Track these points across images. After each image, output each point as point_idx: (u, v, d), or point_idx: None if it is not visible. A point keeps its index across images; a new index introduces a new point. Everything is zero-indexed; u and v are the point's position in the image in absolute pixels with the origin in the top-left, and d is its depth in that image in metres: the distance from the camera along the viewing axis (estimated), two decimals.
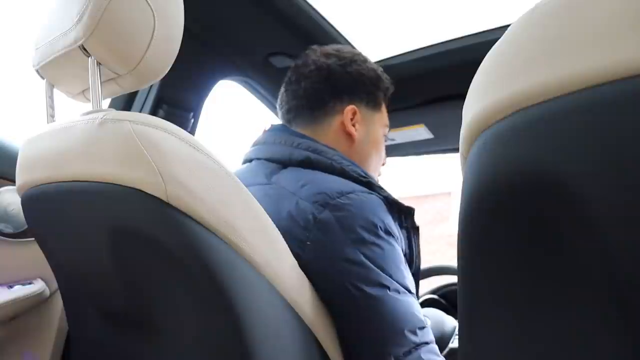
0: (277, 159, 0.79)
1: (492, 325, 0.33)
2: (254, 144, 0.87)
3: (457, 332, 1.13)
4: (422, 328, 0.66)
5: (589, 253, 0.25)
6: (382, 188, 0.74)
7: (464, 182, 0.33)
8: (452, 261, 1.34)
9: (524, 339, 0.31)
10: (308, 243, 0.65)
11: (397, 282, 0.65)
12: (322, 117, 0.86)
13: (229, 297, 0.50)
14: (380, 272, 0.64)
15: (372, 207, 0.67)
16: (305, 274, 0.64)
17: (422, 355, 0.63)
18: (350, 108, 0.86)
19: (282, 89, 0.92)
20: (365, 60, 0.90)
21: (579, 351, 0.28)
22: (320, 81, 0.86)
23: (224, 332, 0.52)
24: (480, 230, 0.31)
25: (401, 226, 0.73)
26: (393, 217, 0.70)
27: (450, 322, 1.17)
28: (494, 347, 0.33)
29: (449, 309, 1.52)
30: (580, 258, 0.26)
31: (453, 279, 1.60)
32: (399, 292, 0.65)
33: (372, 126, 0.89)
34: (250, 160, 0.85)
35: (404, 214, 0.73)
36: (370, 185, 0.72)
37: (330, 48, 0.91)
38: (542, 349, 0.30)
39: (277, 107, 0.93)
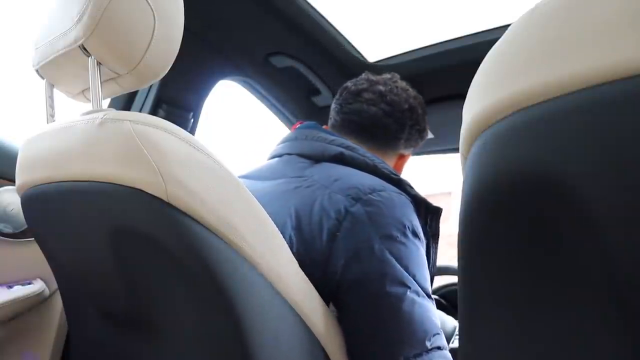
0: (309, 155, 0.80)
1: (492, 325, 0.33)
2: (284, 141, 0.88)
3: (457, 332, 1.13)
4: (436, 334, 0.65)
5: (589, 253, 0.25)
6: (411, 187, 0.75)
7: (464, 182, 0.33)
8: (452, 261, 1.34)
9: (524, 339, 0.31)
10: (338, 234, 0.65)
11: (418, 283, 0.65)
12: (385, 145, 0.91)
13: (229, 297, 0.50)
14: (404, 271, 0.64)
15: (402, 207, 0.68)
16: (331, 266, 0.64)
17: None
18: (408, 155, 0.95)
19: (357, 87, 0.92)
20: (424, 110, 0.97)
21: (579, 351, 0.28)
22: (405, 118, 0.90)
23: (224, 332, 0.52)
24: (480, 230, 0.31)
25: (424, 230, 0.73)
26: (419, 219, 0.71)
27: (450, 322, 1.17)
28: (494, 347, 0.33)
29: (449, 309, 1.52)
30: (580, 258, 0.26)
31: (453, 279, 1.60)
32: (418, 295, 0.65)
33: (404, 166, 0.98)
34: (280, 156, 0.86)
35: (430, 214, 0.75)
36: (401, 184, 0.74)
37: (409, 87, 0.95)
38: (542, 349, 0.30)
39: (338, 96, 0.94)
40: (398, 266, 0.64)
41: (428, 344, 0.64)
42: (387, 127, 0.88)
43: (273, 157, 0.88)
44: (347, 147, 0.79)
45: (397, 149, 0.92)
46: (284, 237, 0.62)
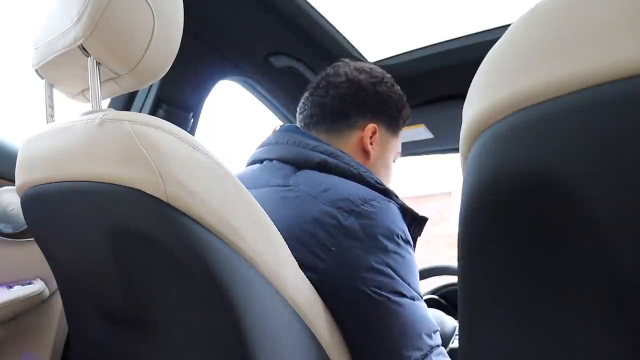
0: (291, 160, 0.78)
1: (492, 325, 0.33)
2: (263, 145, 0.86)
3: (457, 332, 1.13)
4: (435, 331, 0.69)
5: (589, 253, 0.25)
6: (397, 196, 0.75)
7: (464, 182, 0.33)
8: (452, 261, 1.34)
9: (524, 339, 0.31)
10: (333, 248, 0.65)
11: (413, 289, 0.68)
12: (342, 128, 0.87)
13: (229, 297, 0.50)
14: (401, 280, 0.66)
15: (393, 215, 0.69)
16: (327, 278, 0.64)
17: (434, 358, 0.66)
18: (371, 126, 0.87)
19: (307, 94, 0.92)
20: (393, 84, 0.92)
21: (579, 351, 0.28)
22: (348, 94, 0.87)
23: (223, 333, 0.52)
24: (480, 230, 0.31)
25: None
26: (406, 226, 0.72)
27: (450, 322, 1.17)
28: (494, 347, 0.33)
29: (449, 309, 1.52)
30: (580, 258, 0.26)
31: (453, 279, 1.60)
32: (414, 299, 0.67)
33: (387, 149, 0.91)
34: (260, 161, 0.84)
35: (415, 223, 0.75)
36: (387, 193, 0.73)
37: (363, 64, 0.92)
38: (542, 349, 0.30)
39: (298, 110, 0.93)
40: (395, 277, 0.65)
41: (431, 343, 0.67)
42: (327, 106, 0.86)
43: (253, 162, 0.86)
44: (330, 154, 0.77)
45: (351, 124, 0.86)
46: None
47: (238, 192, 0.55)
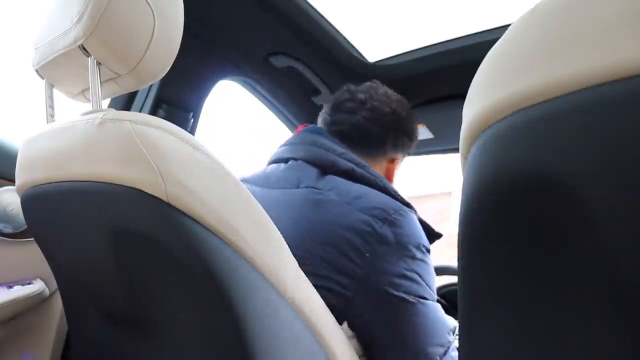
0: (318, 163, 0.79)
1: (492, 325, 0.33)
2: (287, 144, 0.86)
3: (457, 332, 1.13)
4: (452, 329, 0.76)
5: (589, 253, 0.25)
6: (416, 211, 0.78)
7: (464, 182, 0.33)
8: (452, 261, 1.33)
9: (524, 339, 0.31)
10: (367, 255, 0.68)
11: (433, 292, 0.74)
12: (374, 153, 0.90)
13: (229, 297, 0.50)
14: (425, 285, 0.71)
15: (418, 225, 0.74)
16: (362, 283, 0.67)
17: (451, 353, 0.73)
18: (398, 158, 0.94)
19: (338, 99, 0.92)
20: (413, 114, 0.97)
21: (579, 351, 0.28)
22: (392, 129, 0.90)
23: (224, 333, 0.52)
24: (480, 230, 0.31)
25: None
26: None
27: (450, 322, 1.18)
28: (494, 347, 0.33)
29: (449, 309, 1.52)
30: (580, 258, 0.26)
31: (453, 279, 1.60)
32: (435, 301, 0.74)
33: (398, 167, 0.98)
34: (285, 161, 0.84)
35: (429, 237, 0.78)
36: (409, 205, 0.76)
37: (392, 92, 0.95)
38: (542, 349, 0.30)
39: (327, 113, 0.93)
40: (422, 282, 0.71)
41: (450, 339, 0.74)
42: (371, 132, 0.88)
43: (276, 161, 0.86)
44: (357, 164, 0.79)
45: (385, 153, 0.92)
46: (300, 249, 0.64)
47: (238, 192, 0.55)
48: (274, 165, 0.86)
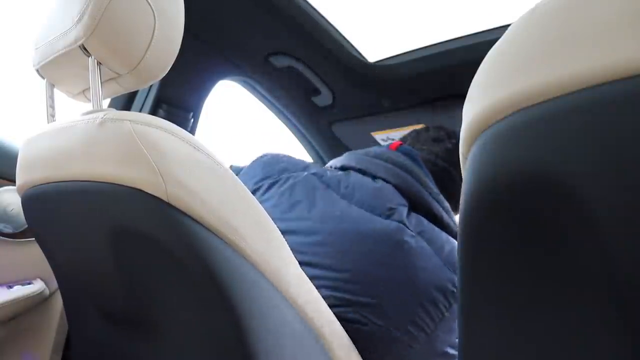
0: (408, 196, 0.70)
1: (492, 325, 0.33)
2: (376, 156, 0.76)
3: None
4: None
5: (589, 253, 0.25)
6: None
7: (464, 182, 0.33)
8: None
9: (524, 338, 0.31)
10: (446, 314, 0.64)
11: None
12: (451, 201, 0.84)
13: (229, 297, 0.50)
14: None
15: None
16: (432, 340, 0.64)
17: None
18: None
19: (450, 146, 0.87)
20: None
21: (579, 351, 0.28)
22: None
23: (224, 332, 0.52)
24: (480, 230, 0.31)
25: None
26: None
27: None
28: (494, 347, 0.33)
29: None
30: (580, 258, 0.26)
31: None
32: None
33: None
34: (372, 177, 0.73)
35: None
36: None
37: None
38: (542, 349, 0.30)
39: (413, 134, 0.89)
40: None
41: None
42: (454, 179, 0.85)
43: (356, 169, 0.76)
44: (447, 211, 0.73)
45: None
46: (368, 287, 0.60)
47: (238, 191, 0.55)
48: (351, 173, 0.75)
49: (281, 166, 0.79)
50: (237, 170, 0.88)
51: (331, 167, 0.80)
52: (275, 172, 0.79)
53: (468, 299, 0.34)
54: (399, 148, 0.77)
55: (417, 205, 0.70)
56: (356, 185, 0.71)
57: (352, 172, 0.75)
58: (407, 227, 0.65)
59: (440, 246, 0.65)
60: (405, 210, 0.67)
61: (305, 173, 0.76)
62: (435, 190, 0.73)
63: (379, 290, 0.62)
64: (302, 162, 0.83)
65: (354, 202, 0.69)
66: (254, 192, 0.79)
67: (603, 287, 0.25)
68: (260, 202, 0.75)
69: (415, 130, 0.94)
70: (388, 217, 0.66)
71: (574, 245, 0.26)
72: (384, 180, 0.71)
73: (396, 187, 0.70)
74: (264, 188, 0.77)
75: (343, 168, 0.77)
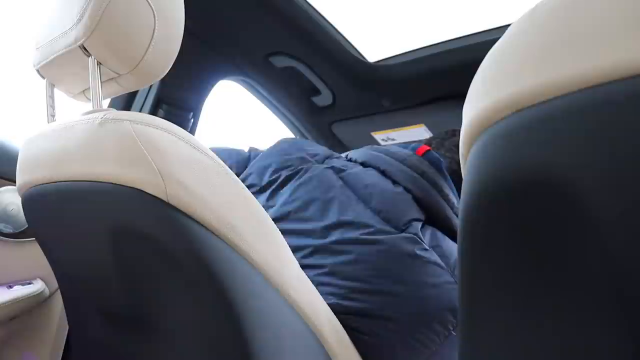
0: (426, 206, 0.67)
1: (492, 325, 0.33)
2: (404, 162, 0.72)
3: None
4: None
5: (589, 253, 0.25)
6: None
7: (464, 182, 0.33)
8: None
9: (524, 339, 0.31)
10: (454, 333, 0.63)
11: None
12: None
13: (229, 297, 0.50)
14: None
15: None
16: (432, 357, 0.64)
17: None
18: None
19: (442, 139, 0.87)
20: None
21: (579, 351, 0.28)
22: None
23: (224, 332, 0.52)
24: (481, 230, 0.31)
25: None
26: None
27: None
28: (494, 347, 0.33)
29: None
30: (581, 258, 0.26)
31: None
32: None
33: None
34: (394, 181, 0.70)
35: None
36: None
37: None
38: (542, 349, 0.30)
39: (439, 139, 0.87)
40: None
41: None
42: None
43: (375, 168, 0.73)
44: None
45: None
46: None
47: (238, 191, 0.55)
48: (369, 171, 0.72)
49: (301, 155, 0.77)
50: (256, 154, 0.87)
51: (351, 159, 0.77)
52: (294, 160, 0.77)
53: (470, 299, 0.34)
54: (425, 154, 0.74)
55: (435, 218, 0.68)
56: (376, 188, 0.69)
57: (373, 171, 0.73)
58: (421, 241, 0.64)
59: (454, 262, 0.64)
60: (419, 224, 0.66)
61: (324, 166, 0.74)
62: (454, 199, 0.71)
63: (386, 304, 0.61)
64: (323, 151, 0.80)
65: (370, 208, 0.67)
66: (270, 182, 0.76)
67: (603, 287, 0.25)
68: (276, 195, 0.73)
69: (441, 133, 0.93)
70: (402, 230, 0.65)
71: (574, 246, 0.26)
72: (404, 188, 0.69)
73: (415, 197, 0.68)
74: (281, 179, 0.75)
75: (364, 165, 0.75)
